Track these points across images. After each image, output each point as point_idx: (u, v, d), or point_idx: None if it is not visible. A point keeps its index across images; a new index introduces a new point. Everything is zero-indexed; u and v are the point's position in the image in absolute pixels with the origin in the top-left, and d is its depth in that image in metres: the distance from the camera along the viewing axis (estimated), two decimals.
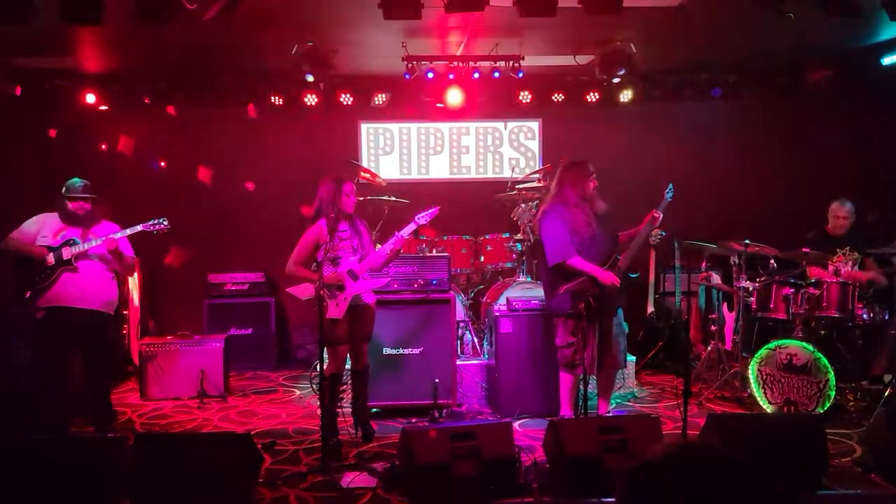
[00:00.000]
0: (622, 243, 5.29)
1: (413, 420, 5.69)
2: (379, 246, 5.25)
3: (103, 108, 7.83)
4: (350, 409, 5.40)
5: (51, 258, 5.06)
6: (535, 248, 6.82)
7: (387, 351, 5.81)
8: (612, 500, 1.30)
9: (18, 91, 7.44)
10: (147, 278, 7.66)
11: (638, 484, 1.27)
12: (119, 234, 5.14)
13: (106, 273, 5.25)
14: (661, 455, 1.28)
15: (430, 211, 5.16)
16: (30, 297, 5.09)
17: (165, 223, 5.26)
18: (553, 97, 8.04)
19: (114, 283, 5.34)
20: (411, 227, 5.09)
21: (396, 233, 5.08)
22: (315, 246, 5.07)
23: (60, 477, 3.98)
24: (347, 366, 5.51)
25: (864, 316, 5.87)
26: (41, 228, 5.16)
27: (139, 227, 5.21)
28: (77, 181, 5.25)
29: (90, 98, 7.70)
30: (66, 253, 5.07)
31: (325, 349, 4.98)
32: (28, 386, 5.56)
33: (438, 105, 7.75)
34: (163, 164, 8.12)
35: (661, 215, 5.22)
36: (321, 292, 4.83)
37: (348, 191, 5.06)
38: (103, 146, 8.01)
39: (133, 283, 7.33)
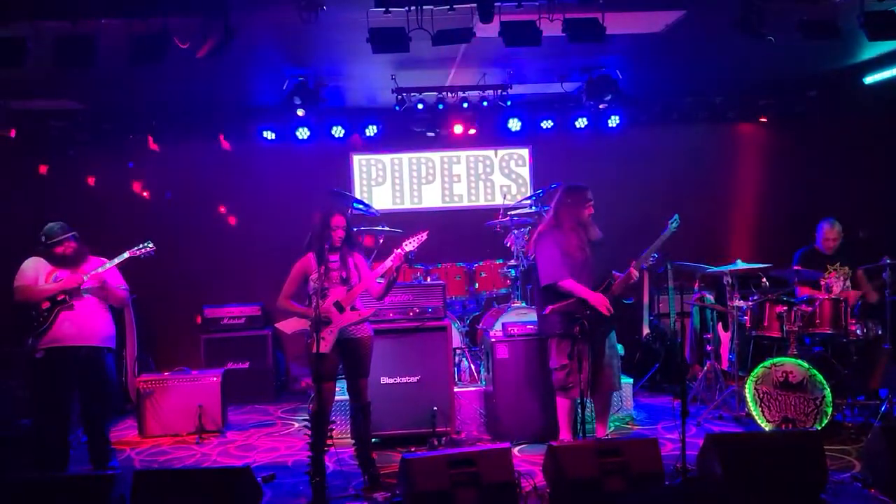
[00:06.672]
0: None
1: (412, 449, 5.67)
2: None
3: (93, 145, 7.89)
4: (353, 444, 5.28)
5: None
6: (530, 270, 6.88)
7: (384, 380, 5.81)
8: None
9: (13, 133, 7.51)
10: (143, 314, 7.65)
11: None
12: (109, 265, 5.14)
13: (101, 308, 5.25)
14: None
15: (417, 236, 5.05)
16: (31, 342, 5.09)
17: (151, 246, 5.25)
18: (542, 124, 8.16)
19: (110, 317, 5.34)
20: (398, 253, 4.94)
21: (384, 261, 5.00)
22: (303, 279, 5.01)
23: None
24: (340, 397, 5.41)
25: (858, 331, 5.91)
26: (37, 272, 5.14)
27: (126, 255, 5.20)
28: (55, 225, 5.19)
29: (80, 137, 7.78)
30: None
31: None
32: (24, 426, 5.55)
33: (430, 134, 7.85)
34: (149, 196, 8.18)
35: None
36: (309, 327, 4.75)
37: (335, 224, 4.96)
38: (93, 183, 8.07)
39: (129, 319, 7.33)
